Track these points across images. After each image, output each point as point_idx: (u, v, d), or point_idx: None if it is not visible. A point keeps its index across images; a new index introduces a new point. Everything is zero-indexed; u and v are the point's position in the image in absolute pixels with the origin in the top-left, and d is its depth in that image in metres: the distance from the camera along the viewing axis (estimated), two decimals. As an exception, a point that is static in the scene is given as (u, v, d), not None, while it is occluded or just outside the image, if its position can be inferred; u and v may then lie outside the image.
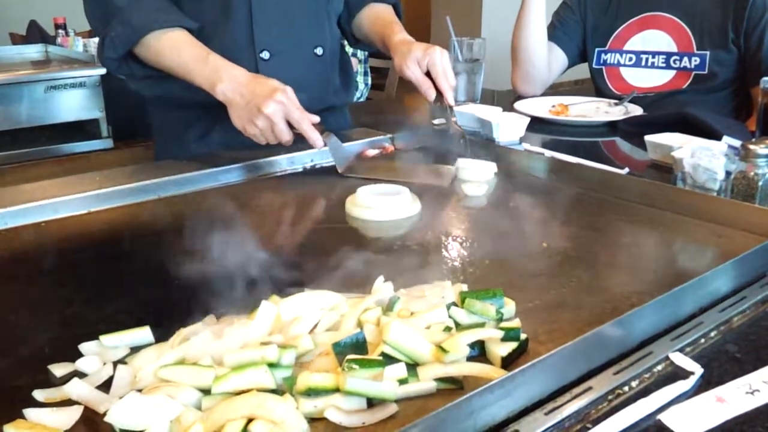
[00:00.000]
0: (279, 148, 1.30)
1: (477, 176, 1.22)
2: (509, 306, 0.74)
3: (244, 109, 1.19)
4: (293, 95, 1.19)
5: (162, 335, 0.70)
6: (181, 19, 1.28)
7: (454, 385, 0.62)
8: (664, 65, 1.86)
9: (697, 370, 0.64)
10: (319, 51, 1.45)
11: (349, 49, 2.69)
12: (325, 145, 1.23)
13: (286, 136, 1.20)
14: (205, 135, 1.43)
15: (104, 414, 0.58)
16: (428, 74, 1.33)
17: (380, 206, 1.05)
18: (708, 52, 1.78)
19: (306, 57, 1.44)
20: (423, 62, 1.32)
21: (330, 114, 1.51)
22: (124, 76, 1.38)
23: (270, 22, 1.36)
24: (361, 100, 3.27)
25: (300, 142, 1.24)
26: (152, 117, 1.52)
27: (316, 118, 1.22)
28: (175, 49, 1.26)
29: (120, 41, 1.26)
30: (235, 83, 1.20)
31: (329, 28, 1.49)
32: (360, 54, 3.14)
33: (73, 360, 0.67)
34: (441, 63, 1.31)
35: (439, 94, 1.33)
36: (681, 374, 0.64)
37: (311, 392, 0.59)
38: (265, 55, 1.36)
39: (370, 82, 3.38)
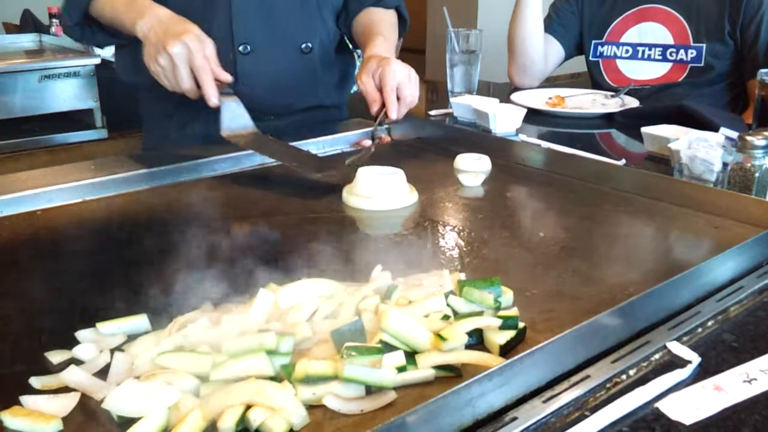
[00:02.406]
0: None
1: (474, 167, 1.22)
2: (507, 295, 0.74)
3: (153, 45, 1.15)
4: (210, 46, 1.15)
5: (159, 323, 0.70)
6: None
7: (452, 373, 0.63)
8: (660, 58, 1.86)
9: (695, 359, 0.64)
10: (305, 47, 1.42)
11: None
12: (221, 105, 1.17)
13: (186, 83, 1.14)
14: (186, 125, 1.42)
15: (101, 401, 0.58)
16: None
17: (378, 196, 1.05)
18: (704, 45, 1.78)
19: (290, 53, 1.41)
20: (376, 74, 1.22)
21: (322, 112, 1.50)
22: (90, 43, 1.37)
23: (250, 15, 1.34)
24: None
25: (302, 133, 1.22)
26: (139, 106, 1.52)
27: (227, 77, 1.17)
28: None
29: (74, 6, 1.27)
30: (155, 20, 1.17)
31: (321, 25, 1.46)
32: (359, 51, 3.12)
33: (69, 347, 0.67)
34: (392, 76, 1.19)
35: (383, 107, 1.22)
36: (678, 363, 0.64)
37: (309, 379, 0.59)
38: (245, 48, 1.34)
39: None
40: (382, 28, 1.44)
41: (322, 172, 1.15)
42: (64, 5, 1.30)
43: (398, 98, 1.20)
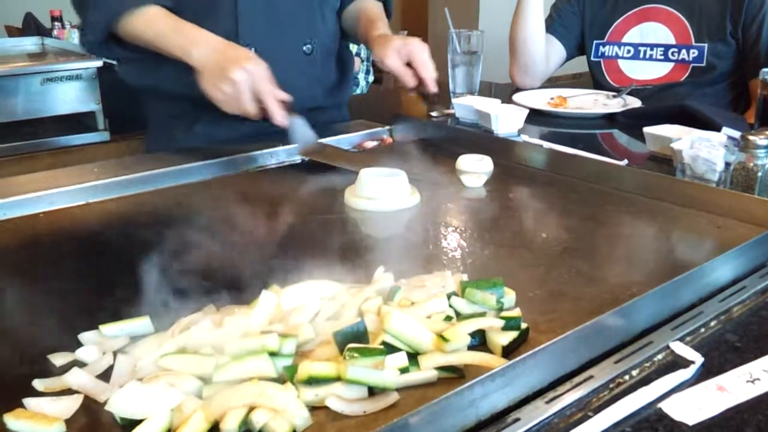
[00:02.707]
0: (277, 140, 1.30)
1: (476, 168, 1.22)
2: (509, 296, 0.74)
3: (213, 73, 1.17)
4: (265, 68, 1.18)
5: (162, 325, 0.70)
6: None
7: (455, 374, 0.62)
8: (662, 57, 1.86)
9: (698, 359, 0.64)
10: (307, 48, 1.44)
11: (353, 48, 2.68)
12: (289, 125, 1.20)
13: (249, 107, 1.17)
14: (191, 127, 1.42)
15: (104, 403, 0.58)
16: (408, 65, 1.34)
17: (380, 197, 1.05)
18: (706, 45, 1.78)
19: (294, 53, 1.42)
20: (403, 52, 1.33)
21: (323, 112, 1.50)
22: (107, 58, 1.38)
23: (255, 17, 1.35)
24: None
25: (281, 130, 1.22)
26: (144, 108, 1.52)
27: (286, 96, 1.20)
28: (152, 22, 1.25)
29: (98, 25, 1.26)
30: (209, 48, 1.19)
31: (322, 25, 1.47)
32: (363, 53, 3.12)
33: (72, 350, 0.67)
34: (421, 53, 1.33)
35: (420, 83, 1.34)
36: (681, 363, 0.64)
37: (312, 381, 0.59)
38: (250, 49, 1.35)
39: (371, 79, 3.37)
40: (378, 13, 1.50)
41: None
42: (84, 22, 1.29)
43: None
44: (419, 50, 1.33)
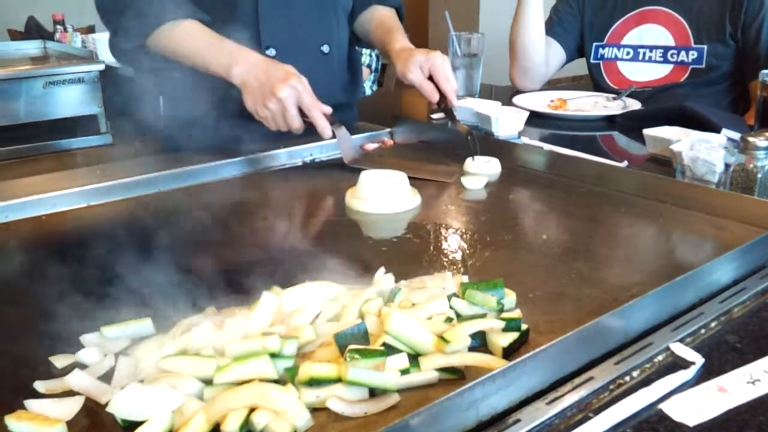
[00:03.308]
0: (277, 143, 1.30)
1: (483, 170, 1.23)
2: (510, 297, 0.74)
3: (258, 91, 1.20)
4: (306, 82, 1.20)
5: (163, 327, 0.70)
6: (194, 11, 1.29)
7: (455, 375, 0.63)
8: (661, 59, 1.86)
9: (698, 360, 0.64)
10: (325, 48, 1.46)
11: (365, 59, 2.68)
12: (334, 135, 1.23)
13: (296, 122, 1.20)
14: (209, 129, 1.42)
15: (106, 404, 0.58)
16: (430, 78, 1.37)
17: (380, 199, 1.05)
18: (705, 46, 1.78)
19: (312, 54, 1.44)
20: (425, 67, 1.36)
21: (337, 111, 1.51)
22: (134, 66, 1.38)
23: (276, 19, 1.37)
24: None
25: (304, 135, 1.23)
26: (154, 110, 1.52)
27: (328, 109, 1.23)
28: (189, 37, 1.27)
29: (134, 32, 1.27)
30: (251, 66, 1.21)
31: (337, 25, 1.49)
32: (374, 63, 3.11)
33: (74, 351, 0.67)
34: (443, 67, 1.35)
35: (443, 97, 1.37)
36: (682, 364, 0.64)
37: (313, 382, 0.59)
38: (271, 52, 1.37)
39: (375, 88, 3.38)
40: (394, 23, 1.52)
41: (452, 177, 1.21)
42: (117, 29, 1.29)
43: None
44: (441, 64, 1.35)
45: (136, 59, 1.34)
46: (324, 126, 1.21)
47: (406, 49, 1.41)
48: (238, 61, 1.22)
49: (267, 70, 1.21)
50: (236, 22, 1.33)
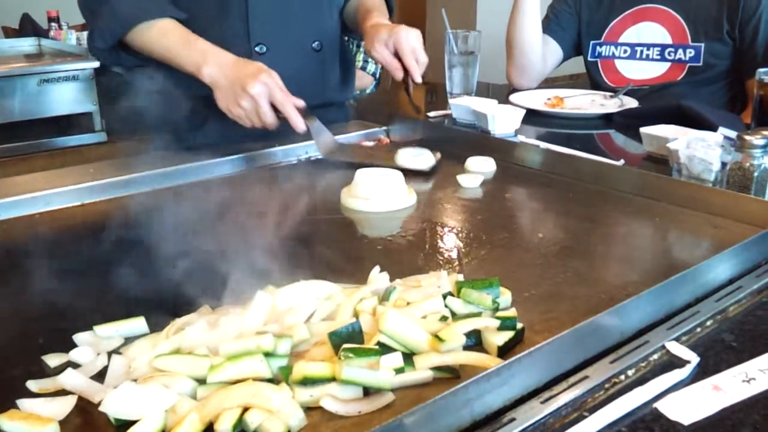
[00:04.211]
0: (273, 140, 1.30)
1: (483, 168, 1.23)
2: (505, 296, 0.74)
3: (229, 89, 1.19)
4: (278, 77, 1.19)
5: (156, 326, 0.70)
6: (169, 10, 1.28)
7: (450, 374, 0.62)
8: (658, 57, 1.86)
9: (693, 358, 0.64)
10: (316, 45, 1.44)
11: (371, 68, 2.66)
12: (308, 129, 1.21)
13: (270, 118, 1.19)
14: (200, 127, 1.42)
15: (99, 404, 0.57)
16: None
17: (376, 197, 1.05)
18: (703, 44, 1.78)
19: (303, 51, 1.43)
20: (390, 42, 1.29)
21: (328, 110, 1.50)
22: (113, 65, 1.37)
23: (266, 16, 1.36)
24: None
25: (292, 132, 1.23)
26: (148, 108, 1.51)
27: (301, 102, 1.21)
28: (163, 35, 1.26)
29: (109, 32, 1.27)
30: (221, 65, 1.20)
31: (329, 22, 1.48)
32: (377, 73, 3.09)
33: (67, 350, 0.67)
34: (407, 41, 1.28)
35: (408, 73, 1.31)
36: (677, 363, 0.64)
37: (307, 381, 0.58)
38: (261, 49, 1.36)
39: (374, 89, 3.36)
40: (376, 4, 1.48)
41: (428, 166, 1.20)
42: (93, 28, 1.29)
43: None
44: (406, 38, 1.28)
45: (113, 58, 1.33)
46: (297, 121, 1.19)
47: (375, 25, 1.36)
48: (208, 61, 1.21)
49: (237, 67, 1.19)
50: (226, 19, 1.32)
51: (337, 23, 1.52)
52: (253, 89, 1.15)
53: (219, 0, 1.33)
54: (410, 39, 1.29)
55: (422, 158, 1.23)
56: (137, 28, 1.25)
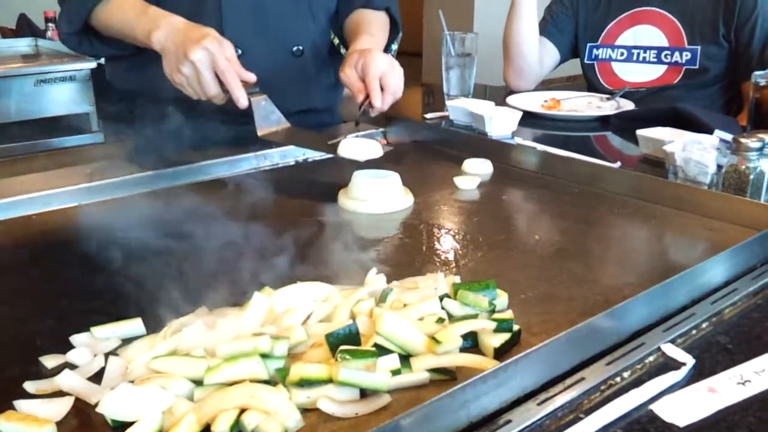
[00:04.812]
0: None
1: (480, 170, 1.23)
2: (502, 297, 0.74)
3: (173, 54, 1.12)
4: (229, 46, 1.12)
5: (154, 327, 0.70)
6: None
7: (447, 376, 0.63)
8: (655, 60, 1.87)
9: (689, 360, 0.64)
10: (296, 50, 1.42)
11: None
12: (251, 105, 1.15)
13: (212, 88, 1.12)
14: (179, 129, 1.41)
15: (96, 405, 0.57)
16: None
17: (373, 199, 1.05)
18: (699, 47, 1.79)
19: (282, 55, 1.41)
20: (358, 65, 1.22)
21: (315, 115, 1.50)
22: (87, 53, 1.35)
23: (241, 18, 1.33)
24: None
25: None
26: (135, 111, 1.51)
27: (251, 76, 1.15)
28: (120, 9, 1.22)
29: (73, 14, 1.25)
30: (171, 29, 1.14)
31: (314, 26, 1.45)
32: None
33: (64, 352, 0.66)
34: (375, 65, 1.20)
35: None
36: (673, 365, 0.64)
37: (304, 383, 0.59)
38: (237, 51, 1.34)
39: None
40: (369, 27, 1.43)
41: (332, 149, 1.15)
42: (60, 13, 1.28)
43: (382, 88, 1.20)
44: (374, 62, 1.20)
45: (85, 45, 1.30)
46: (239, 94, 1.12)
47: (355, 50, 1.28)
48: (159, 26, 1.14)
49: (185, 32, 1.12)
50: (200, 19, 1.30)
51: (326, 28, 1.50)
52: (194, 55, 1.08)
53: (194, 1, 1.31)
54: (379, 63, 1.21)
55: (364, 148, 1.14)
56: (100, 7, 1.22)
